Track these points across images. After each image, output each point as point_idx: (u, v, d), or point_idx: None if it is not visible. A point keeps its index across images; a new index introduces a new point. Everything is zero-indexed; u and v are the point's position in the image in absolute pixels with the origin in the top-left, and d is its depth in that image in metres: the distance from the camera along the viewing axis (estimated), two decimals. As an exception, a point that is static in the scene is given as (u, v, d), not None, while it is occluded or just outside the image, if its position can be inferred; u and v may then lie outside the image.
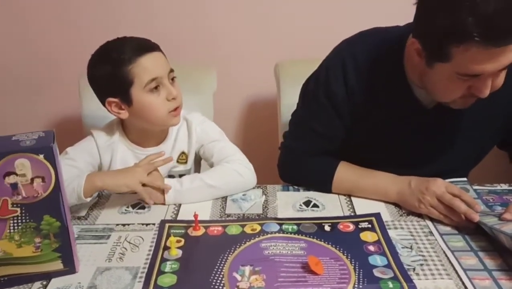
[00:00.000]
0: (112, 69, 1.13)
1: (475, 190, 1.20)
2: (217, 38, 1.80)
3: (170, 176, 1.26)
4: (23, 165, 0.84)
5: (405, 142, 1.18)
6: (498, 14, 0.87)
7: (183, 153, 1.29)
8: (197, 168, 1.36)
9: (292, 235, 1.05)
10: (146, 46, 1.15)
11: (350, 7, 1.73)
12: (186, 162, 1.29)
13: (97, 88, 1.20)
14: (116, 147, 1.24)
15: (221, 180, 1.20)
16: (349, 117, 1.19)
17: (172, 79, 1.20)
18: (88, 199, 1.11)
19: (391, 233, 1.05)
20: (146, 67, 1.14)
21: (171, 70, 1.19)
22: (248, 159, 1.27)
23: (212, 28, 1.79)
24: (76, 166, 1.19)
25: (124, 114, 1.19)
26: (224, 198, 1.21)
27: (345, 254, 0.98)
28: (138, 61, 1.13)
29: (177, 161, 1.28)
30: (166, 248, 1.01)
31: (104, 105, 1.19)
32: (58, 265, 0.93)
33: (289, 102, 1.45)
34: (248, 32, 1.79)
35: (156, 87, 1.16)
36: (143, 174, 1.14)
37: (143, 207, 1.17)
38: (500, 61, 0.93)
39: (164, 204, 1.18)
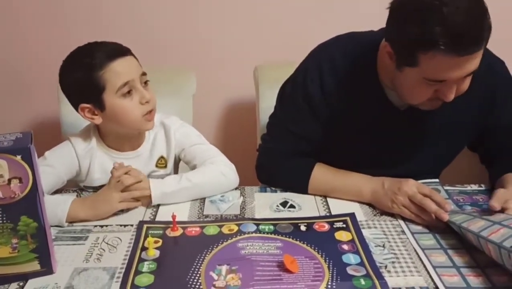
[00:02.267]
0: (83, 75, 1.13)
1: (446, 191, 1.24)
2: (197, 41, 1.81)
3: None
4: (0, 165, 0.84)
5: (379, 143, 1.22)
6: (463, 25, 0.92)
7: (162, 157, 1.29)
8: (176, 171, 1.37)
9: (269, 235, 1.07)
10: (117, 51, 1.15)
11: (328, 11, 1.76)
12: (165, 167, 1.30)
13: (69, 94, 1.20)
14: (94, 153, 1.24)
15: (207, 180, 1.21)
16: (325, 118, 1.22)
17: (145, 82, 1.20)
18: (67, 224, 1.12)
19: (365, 232, 1.08)
20: (117, 72, 1.13)
21: (144, 74, 1.19)
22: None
23: (192, 31, 1.81)
24: (54, 173, 1.19)
25: (98, 120, 1.19)
26: (202, 199, 1.22)
27: (320, 253, 1.00)
28: (109, 66, 1.13)
29: (156, 166, 1.29)
30: (144, 248, 1.02)
31: (77, 111, 1.19)
32: (35, 266, 0.93)
33: (268, 105, 1.47)
34: (227, 35, 1.81)
35: (129, 92, 1.16)
36: (117, 196, 1.13)
37: (121, 209, 1.18)
38: (464, 68, 0.98)
39: (151, 205, 1.18)
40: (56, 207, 1.11)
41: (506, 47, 1.24)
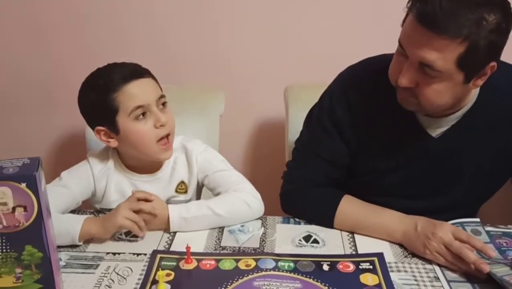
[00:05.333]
0: (98, 97, 1.11)
1: (487, 232, 1.12)
2: (227, 60, 1.77)
3: (168, 205, 1.22)
4: (4, 193, 0.81)
5: (410, 171, 1.14)
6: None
7: (182, 182, 1.24)
8: (198, 197, 1.32)
9: (288, 274, 0.99)
10: (133, 73, 1.12)
11: (364, 33, 1.68)
12: (186, 192, 1.25)
13: (85, 116, 1.18)
14: (111, 174, 1.21)
15: (229, 210, 1.15)
16: (353, 142, 1.17)
17: (163, 104, 1.16)
18: (81, 242, 1.08)
19: (394, 276, 0.98)
20: (131, 95, 1.10)
21: (162, 96, 1.15)
22: (254, 186, 1.22)
23: (222, 49, 1.76)
24: (68, 194, 1.16)
25: (114, 143, 1.16)
26: (221, 229, 1.16)
27: (342, 298, 0.92)
28: (123, 88, 1.10)
29: (176, 191, 1.24)
30: (155, 281, 0.97)
31: (94, 133, 1.17)
32: (39, 297, 0.90)
33: (297, 127, 1.39)
34: (258, 54, 1.75)
35: (143, 114, 1.12)
36: (126, 210, 1.08)
37: (136, 235, 1.13)
38: (417, 43, 0.92)
39: (169, 231, 1.13)
40: (69, 225, 1.07)
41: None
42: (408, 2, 0.95)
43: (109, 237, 1.10)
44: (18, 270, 0.86)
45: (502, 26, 0.90)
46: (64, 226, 1.05)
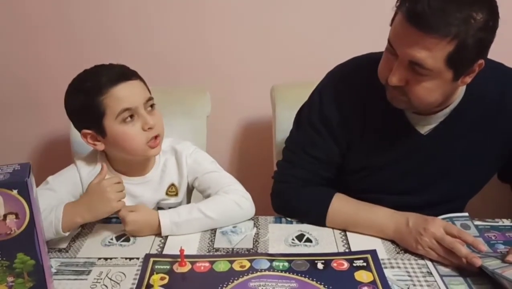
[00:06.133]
0: (85, 99, 1.09)
1: (476, 226, 1.14)
2: (212, 60, 1.76)
3: (159, 208, 1.21)
4: (-5, 200, 0.79)
5: (399, 167, 1.16)
6: None
7: (172, 185, 1.23)
8: (188, 199, 1.31)
9: (283, 274, 0.99)
10: (120, 75, 1.10)
11: (349, 31, 1.69)
12: (176, 195, 1.23)
13: (72, 119, 1.16)
14: None
15: (220, 212, 1.14)
16: (343, 141, 1.18)
17: (152, 106, 1.15)
18: (67, 233, 1.06)
19: (387, 272, 0.99)
20: (118, 97, 1.08)
21: (150, 98, 1.14)
22: (243, 186, 1.22)
23: (207, 49, 1.75)
24: (55, 197, 1.13)
25: (100, 146, 1.14)
26: (213, 231, 1.15)
27: (338, 296, 0.93)
28: (110, 91, 1.08)
29: (166, 194, 1.23)
30: (149, 286, 0.96)
31: (81, 136, 1.15)
32: (32, 305, 0.88)
33: (285, 126, 1.41)
34: (244, 53, 1.75)
35: (131, 117, 1.11)
36: (114, 193, 1.07)
37: (128, 239, 1.12)
38: (407, 42, 0.93)
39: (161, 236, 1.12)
40: (49, 215, 1.04)
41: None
42: (397, 1, 0.97)
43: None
44: (10, 279, 0.85)
45: (490, 24, 0.92)
46: (43, 218, 1.00)
